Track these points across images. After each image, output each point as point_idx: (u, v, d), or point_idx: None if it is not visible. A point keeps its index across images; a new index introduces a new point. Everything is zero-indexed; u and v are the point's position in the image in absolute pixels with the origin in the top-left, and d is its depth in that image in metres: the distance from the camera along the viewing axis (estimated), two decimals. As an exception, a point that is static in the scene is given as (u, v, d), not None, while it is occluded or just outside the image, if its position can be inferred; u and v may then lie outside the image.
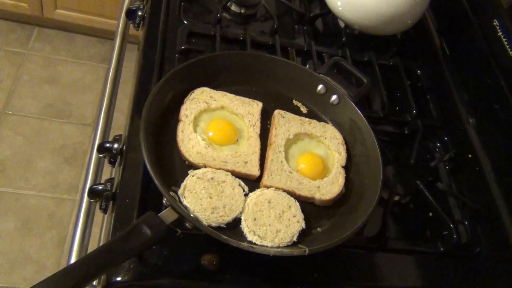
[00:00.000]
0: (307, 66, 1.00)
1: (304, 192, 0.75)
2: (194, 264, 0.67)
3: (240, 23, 1.04)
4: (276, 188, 0.74)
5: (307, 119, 0.84)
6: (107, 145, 0.81)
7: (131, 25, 1.05)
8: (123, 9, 1.07)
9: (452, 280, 0.79)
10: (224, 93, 0.82)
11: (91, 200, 0.77)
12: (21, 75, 2.03)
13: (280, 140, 0.80)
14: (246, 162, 0.75)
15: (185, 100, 0.79)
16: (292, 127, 0.81)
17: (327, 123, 0.86)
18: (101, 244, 0.71)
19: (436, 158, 0.94)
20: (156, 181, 0.64)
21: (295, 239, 0.69)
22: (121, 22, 1.07)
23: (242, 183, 0.73)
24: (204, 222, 0.66)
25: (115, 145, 0.80)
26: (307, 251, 0.65)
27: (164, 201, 0.70)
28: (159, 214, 0.63)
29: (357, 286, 0.75)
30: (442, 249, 0.80)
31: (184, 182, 0.70)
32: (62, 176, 1.82)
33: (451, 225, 0.81)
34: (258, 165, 0.76)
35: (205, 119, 0.79)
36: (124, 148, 0.78)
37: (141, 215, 0.62)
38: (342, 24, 1.09)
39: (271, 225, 0.69)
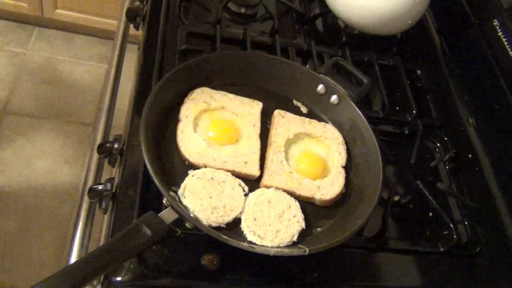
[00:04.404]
0: (307, 66, 1.00)
1: (304, 192, 0.75)
2: (194, 264, 0.67)
3: (240, 23, 1.04)
4: (276, 188, 0.74)
5: (307, 119, 0.84)
6: (107, 145, 0.81)
7: (131, 25, 1.05)
8: (123, 9, 1.07)
9: (452, 280, 0.79)
10: (224, 93, 0.82)
11: (91, 200, 0.77)
12: (21, 75, 2.03)
13: (280, 140, 0.80)
14: (246, 162, 0.76)
15: (185, 100, 0.79)
16: (292, 127, 0.81)
17: (327, 123, 0.86)
18: (101, 244, 0.71)
19: (436, 158, 0.94)
20: (156, 181, 0.64)
21: (295, 239, 0.69)
22: (121, 22, 1.07)
23: (242, 183, 0.73)
24: (204, 222, 0.66)
25: (115, 145, 0.80)
26: (307, 251, 0.65)
27: (164, 201, 0.70)
28: (159, 214, 0.63)
29: (357, 286, 0.75)
30: (442, 249, 0.80)
31: (184, 182, 0.70)
32: (62, 176, 1.82)
33: (451, 225, 0.81)
34: (258, 165, 0.76)
35: (205, 119, 0.79)
36: (124, 148, 0.78)
37: (141, 215, 0.63)
38: (342, 24, 1.09)
39: (271, 225, 0.69)
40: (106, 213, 0.74)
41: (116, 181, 0.75)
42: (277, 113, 0.83)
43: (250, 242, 0.68)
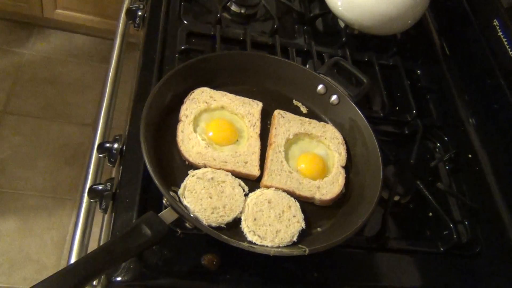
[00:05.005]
0: (307, 66, 1.00)
1: (304, 192, 0.75)
2: (194, 264, 0.67)
3: (240, 23, 1.04)
4: (276, 188, 0.74)
5: (307, 119, 0.84)
6: (107, 145, 0.81)
7: (131, 25, 1.05)
8: (123, 9, 1.07)
9: (452, 280, 0.79)
10: (224, 93, 0.82)
11: (91, 200, 0.77)
12: (21, 75, 2.03)
13: (280, 140, 0.80)
14: (246, 162, 0.76)
15: (185, 100, 0.79)
16: (292, 127, 0.81)
17: (327, 123, 0.86)
18: (101, 244, 0.71)
19: (436, 158, 0.94)
20: (156, 181, 0.64)
21: (295, 239, 0.69)
22: (121, 22, 1.07)
23: (242, 183, 0.73)
24: (204, 222, 0.66)
25: (115, 145, 0.80)
26: (307, 251, 0.65)
27: (164, 201, 0.70)
28: (159, 214, 0.63)
29: (357, 286, 0.75)
30: (442, 249, 0.80)
31: (184, 182, 0.70)
32: (62, 176, 1.81)
33: (451, 225, 0.81)
34: (258, 165, 0.76)
35: (205, 119, 0.79)
36: (124, 148, 0.78)
37: (141, 215, 0.63)
38: (342, 24, 1.09)
39: (271, 225, 0.69)
40: (106, 213, 0.74)
41: (116, 181, 0.75)
42: (277, 113, 0.83)
43: (250, 242, 0.68)
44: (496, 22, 0.96)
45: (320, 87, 0.86)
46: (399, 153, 0.91)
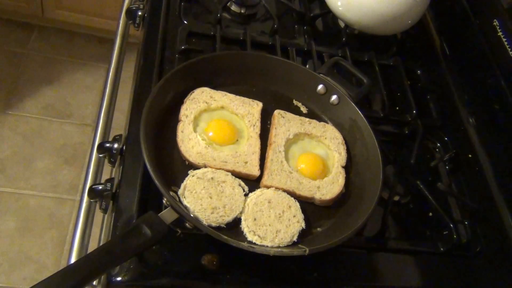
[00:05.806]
0: (307, 66, 1.00)
1: (304, 192, 0.75)
2: (194, 264, 0.67)
3: (240, 23, 1.04)
4: (276, 188, 0.74)
5: (307, 119, 0.84)
6: (107, 145, 0.81)
7: (131, 25, 1.05)
8: (123, 9, 1.07)
9: (452, 280, 0.79)
10: (224, 93, 0.82)
11: (91, 200, 0.77)
12: (21, 75, 2.03)
13: (280, 140, 0.80)
14: (246, 162, 0.76)
15: (185, 100, 0.79)
16: (292, 127, 0.82)
17: (327, 123, 0.86)
18: (101, 244, 0.71)
19: (436, 158, 0.94)
20: (156, 181, 0.64)
21: (295, 239, 0.69)
22: (121, 22, 1.07)
23: (242, 183, 0.73)
24: (204, 222, 0.66)
25: (115, 145, 0.80)
26: (307, 251, 0.65)
27: (164, 201, 0.70)
28: (159, 214, 0.63)
29: (357, 286, 0.75)
30: (442, 249, 0.80)
31: (184, 182, 0.70)
32: (62, 176, 1.82)
33: (451, 225, 0.81)
34: (258, 165, 0.76)
35: (205, 119, 0.79)
36: (124, 148, 0.78)
37: (141, 215, 0.63)
38: (342, 24, 1.09)
39: (271, 225, 0.69)
40: (106, 213, 0.74)
41: (116, 181, 0.75)
42: (277, 113, 0.83)
43: (250, 242, 0.68)
44: (496, 22, 0.96)
45: (320, 87, 0.86)
46: (399, 153, 0.91)
